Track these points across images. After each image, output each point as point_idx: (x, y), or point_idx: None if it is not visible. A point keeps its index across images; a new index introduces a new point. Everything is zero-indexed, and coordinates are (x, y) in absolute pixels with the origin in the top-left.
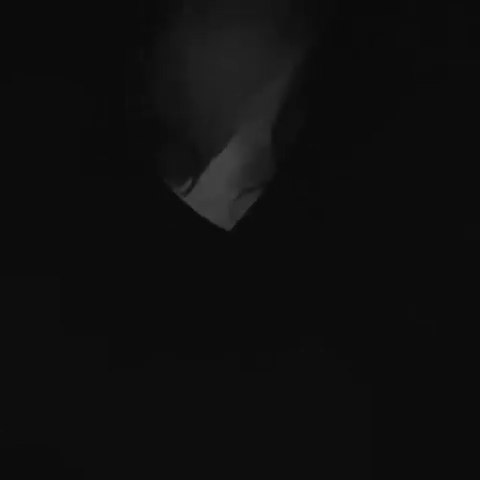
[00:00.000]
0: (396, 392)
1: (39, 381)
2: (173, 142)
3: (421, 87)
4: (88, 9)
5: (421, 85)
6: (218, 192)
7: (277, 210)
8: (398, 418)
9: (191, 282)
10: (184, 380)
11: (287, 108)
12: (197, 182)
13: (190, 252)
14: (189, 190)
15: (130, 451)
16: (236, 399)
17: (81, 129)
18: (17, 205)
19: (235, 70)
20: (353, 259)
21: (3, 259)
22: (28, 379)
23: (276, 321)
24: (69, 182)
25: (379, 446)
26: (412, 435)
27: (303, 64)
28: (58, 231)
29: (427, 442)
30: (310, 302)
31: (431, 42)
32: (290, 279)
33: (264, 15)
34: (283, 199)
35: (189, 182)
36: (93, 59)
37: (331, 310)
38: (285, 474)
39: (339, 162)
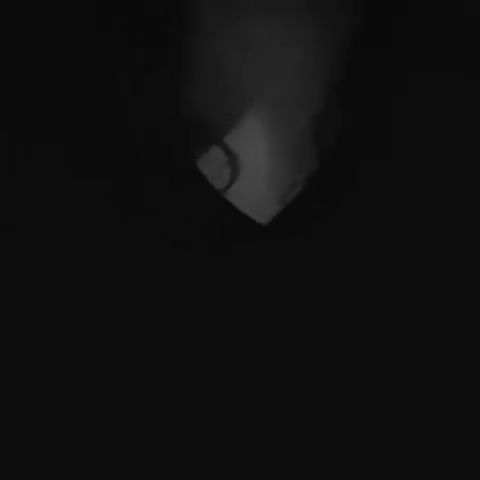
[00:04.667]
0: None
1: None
2: (208, 141)
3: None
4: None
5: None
6: (257, 189)
7: (315, 207)
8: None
9: (225, 275)
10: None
11: (327, 105)
12: (235, 180)
13: (226, 245)
14: (228, 187)
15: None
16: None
17: (126, 128)
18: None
19: (270, 68)
20: (392, 261)
21: None
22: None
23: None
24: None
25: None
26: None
27: (340, 61)
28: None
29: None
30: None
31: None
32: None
33: (290, 8)
34: (322, 197)
35: (227, 179)
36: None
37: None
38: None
39: (379, 162)
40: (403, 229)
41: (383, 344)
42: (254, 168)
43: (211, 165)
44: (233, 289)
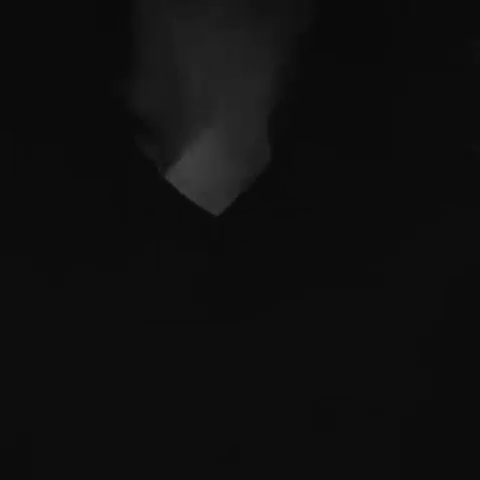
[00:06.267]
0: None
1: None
2: (148, 131)
3: (418, 81)
4: None
5: (418, 80)
6: (210, 180)
7: (269, 197)
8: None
9: (225, 275)
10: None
11: (281, 96)
12: (174, 166)
13: (226, 245)
14: (165, 167)
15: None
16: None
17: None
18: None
19: (223, 57)
20: (345, 250)
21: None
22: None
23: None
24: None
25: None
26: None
27: (294, 51)
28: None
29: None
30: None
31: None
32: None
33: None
34: (275, 187)
35: (166, 164)
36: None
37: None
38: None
39: (379, 162)
40: (403, 229)
41: (383, 344)
42: (202, 160)
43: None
44: (232, 289)
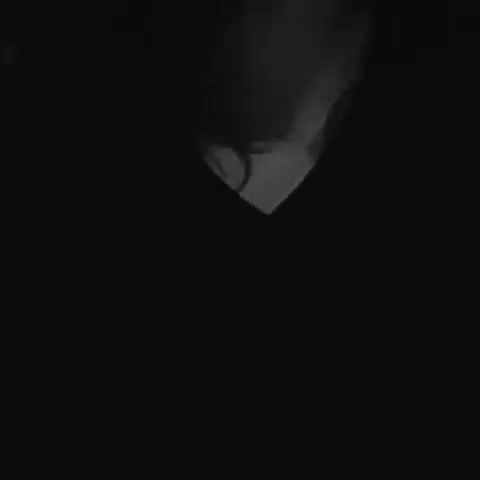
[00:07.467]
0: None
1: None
2: (224, 139)
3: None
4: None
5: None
6: (270, 182)
7: (318, 194)
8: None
9: (228, 262)
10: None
11: (342, 96)
12: (250, 176)
13: (230, 234)
14: (243, 184)
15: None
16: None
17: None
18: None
19: (289, 63)
20: (391, 246)
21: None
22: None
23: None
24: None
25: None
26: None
27: (355, 63)
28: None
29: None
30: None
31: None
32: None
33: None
34: (325, 185)
35: (241, 177)
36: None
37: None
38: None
39: (379, 161)
40: (403, 229)
41: (383, 344)
42: (263, 161)
43: (225, 164)
44: (232, 289)
